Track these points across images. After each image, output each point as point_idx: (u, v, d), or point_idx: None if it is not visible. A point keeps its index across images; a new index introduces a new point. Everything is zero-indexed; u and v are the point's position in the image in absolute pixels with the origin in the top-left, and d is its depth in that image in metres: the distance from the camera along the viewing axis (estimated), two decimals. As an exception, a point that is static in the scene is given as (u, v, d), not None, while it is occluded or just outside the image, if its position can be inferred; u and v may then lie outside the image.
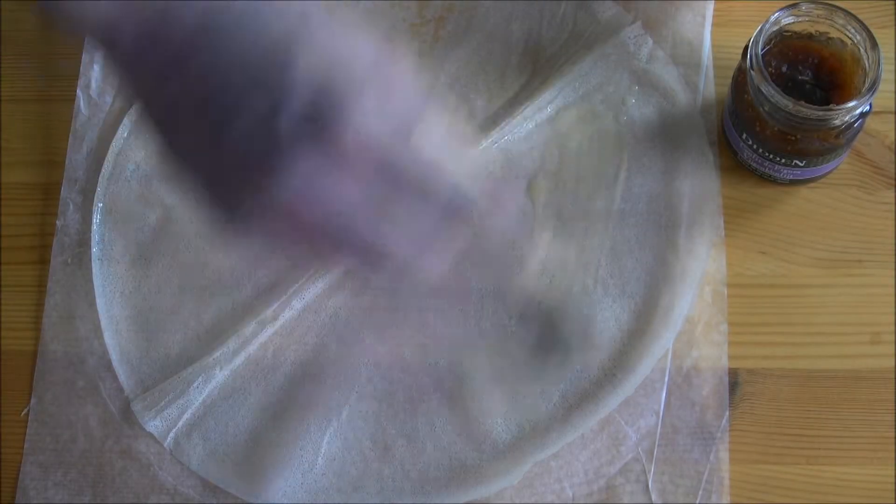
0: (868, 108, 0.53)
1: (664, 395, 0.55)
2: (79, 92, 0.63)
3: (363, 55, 0.38)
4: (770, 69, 0.54)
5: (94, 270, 0.59)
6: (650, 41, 0.62)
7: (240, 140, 0.37)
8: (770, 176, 0.58)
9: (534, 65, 0.62)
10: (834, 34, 0.55)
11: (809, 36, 0.55)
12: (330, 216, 0.38)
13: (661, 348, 0.55)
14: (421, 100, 0.39)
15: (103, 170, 0.61)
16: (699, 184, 0.58)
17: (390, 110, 0.38)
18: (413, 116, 0.38)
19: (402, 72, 0.39)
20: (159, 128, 0.39)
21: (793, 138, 0.54)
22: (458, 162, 0.40)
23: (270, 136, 0.36)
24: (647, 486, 0.53)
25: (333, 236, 0.39)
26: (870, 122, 0.57)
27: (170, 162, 0.39)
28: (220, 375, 0.56)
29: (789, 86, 0.54)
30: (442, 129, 0.40)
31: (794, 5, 0.54)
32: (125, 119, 0.62)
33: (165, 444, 0.56)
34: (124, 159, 0.61)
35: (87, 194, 0.61)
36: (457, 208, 0.40)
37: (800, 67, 0.55)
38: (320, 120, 0.36)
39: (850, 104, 0.51)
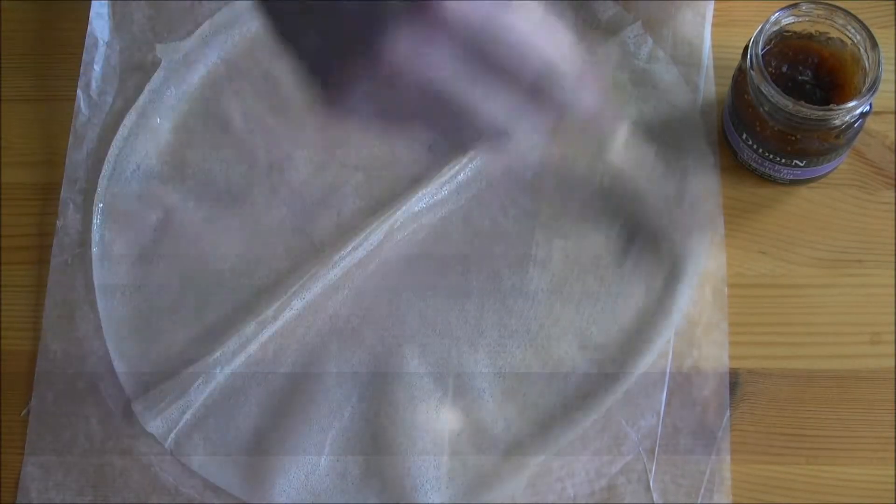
0: (868, 108, 0.53)
1: (665, 395, 0.55)
2: (79, 92, 0.63)
3: None
4: (770, 69, 0.54)
5: (94, 270, 0.59)
6: (650, 41, 0.62)
7: (346, 16, 0.38)
8: (770, 176, 0.58)
9: (534, 65, 0.62)
10: (834, 34, 0.55)
11: (809, 36, 0.55)
12: (428, 82, 0.39)
13: (661, 347, 0.55)
14: None
15: (103, 170, 0.61)
16: (699, 184, 0.59)
17: None
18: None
19: None
20: (270, 11, 0.41)
21: (793, 138, 0.54)
22: (550, 41, 0.41)
23: (375, 10, 0.38)
24: (649, 485, 0.53)
25: (431, 103, 0.40)
26: (870, 122, 0.57)
27: (278, 42, 0.41)
28: (221, 376, 0.56)
29: (789, 86, 0.54)
30: (538, 13, 0.41)
31: (794, 5, 0.54)
32: (125, 119, 0.62)
33: (166, 445, 0.56)
34: (124, 159, 0.61)
35: (87, 194, 0.61)
36: (546, 85, 0.41)
37: (800, 67, 0.55)
38: None
39: (850, 104, 0.52)
